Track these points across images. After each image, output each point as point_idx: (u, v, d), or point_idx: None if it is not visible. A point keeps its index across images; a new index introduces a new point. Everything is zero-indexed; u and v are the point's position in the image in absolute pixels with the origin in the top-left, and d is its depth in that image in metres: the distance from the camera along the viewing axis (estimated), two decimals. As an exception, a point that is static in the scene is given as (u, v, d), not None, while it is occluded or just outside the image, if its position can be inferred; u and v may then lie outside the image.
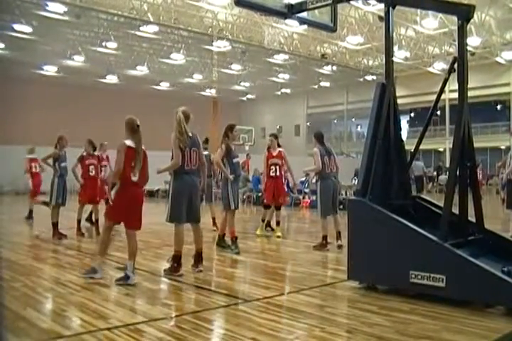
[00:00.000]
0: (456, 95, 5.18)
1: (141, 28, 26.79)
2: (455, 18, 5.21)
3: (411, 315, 4.35)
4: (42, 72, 35.03)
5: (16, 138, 26.71)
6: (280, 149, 9.71)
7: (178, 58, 33.28)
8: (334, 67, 35.93)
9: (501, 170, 11.26)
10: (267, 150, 9.77)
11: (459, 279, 4.50)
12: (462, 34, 5.15)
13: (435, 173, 31.11)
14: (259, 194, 16.82)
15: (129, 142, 5.60)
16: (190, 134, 6.03)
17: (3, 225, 10.68)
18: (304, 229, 12.05)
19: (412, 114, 39.86)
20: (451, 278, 4.52)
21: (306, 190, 18.59)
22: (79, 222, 9.54)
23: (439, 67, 32.78)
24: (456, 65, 5.23)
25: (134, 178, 5.57)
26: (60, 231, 9.04)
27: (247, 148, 24.87)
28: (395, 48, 27.00)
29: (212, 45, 29.90)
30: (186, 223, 6.07)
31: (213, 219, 10.19)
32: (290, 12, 6.26)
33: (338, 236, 8.08)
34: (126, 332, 3.87)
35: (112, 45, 30.08)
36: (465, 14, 5.12)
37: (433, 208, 5.69)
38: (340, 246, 7.90)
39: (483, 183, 24.31)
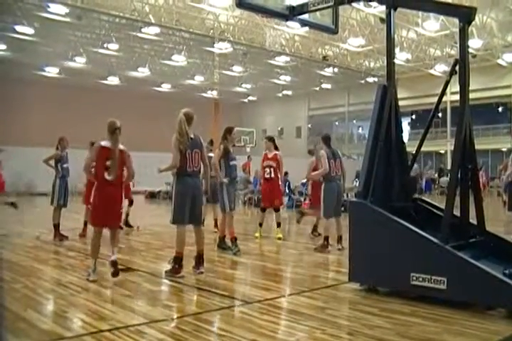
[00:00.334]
0: (457, 97, 5.19)
1: (142, 30, 26.82)
2: (456, 21, 5.21)
3: (412, 317, 4.35)
4: (43, 73, 35.06)
5: (17, 139, 26.76)
6: (276, 152, 9.72)
7: (179, 60, 33.29)
8: (335, 69, 35.93)
9: (503, 173, 11.24)
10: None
11: (460, 281, 4.50)
12: (464, 36, 5.15)
13: (436, 175, 31.11)
14: (260, 196, 16.81)
15: (104, 142, 5.87)
16: (191, 136, 6.03)
17: (3, 226, 10.68)
18: (304, 230, 12.03)
19: (414, 116, 39.85)
20: (452, 281, 4.51)
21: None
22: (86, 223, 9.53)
23: (441, 69, 32.79)
24: (457, 67, 5.24)
25: (109, 177, 5.77)
26: (62, 232, 9.04)
27: (248, 149, 24.89)
28: (397, 50, 27.05)
29: (213, 47, 29.90)
30: (188, 224, 6.08)
31: (215, 220, 10.19)
32: (291, 14, 6.27)
33: (339, 239, 8.09)
34: (127, 334, 3.87)
35: (114, 46, 30.10)
36: (466, 16, 5.13)
37: (434, 210, 5.69)
38: (340, 250, 7.90)
39: (485, 186, 24.24)
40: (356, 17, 26.79)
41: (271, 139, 9.94)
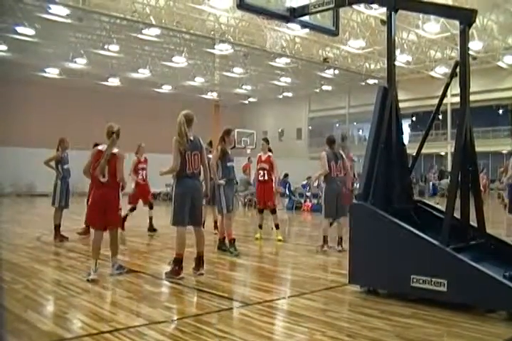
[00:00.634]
0: (458, 99, 5.18)
1: (143, 31, 26.84)
2: (457, 23, 5.21)
3: (412, 319, 4.35)
4: (44, 74, 35.05)
5: (18, 140, 26.78)
6: (269, 154, 9.75)
7: (180, 61, 33.30)
8: (336, 71, 35.96)
9: (504, 175, 11.25)
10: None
11: (461, 284, 4.50)
12: (464, 38, 5.15)
13: (437, 177, 31.09)
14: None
15: (101, 146, 6.19)
16: (191, 138, 6.03)
17: (4, 227, 10.69)
18: (305, 232, 12.04)
19: (414, 118, 39.83)
20: (452, 283, 4.51)
21: (308, 194, 18.59)
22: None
23: (441, 71, 32.83)
24: (458, 70, 5.24)
25: (103, 179, 6.03)
26: (62, 233, 9.05)
27: (248, 151, 24.88)
28: (397, 52, 27.09)
29: (214, 48, 29.93)
30: (188, 226, 6.09)
31: (215, 222, 10.18)
32: (292, 16, 6.28)
33: (340, 241, 8.10)
34: (127, 335, 3.87)
35: (114, 47, 30.11)
36: (467, 19, 5.13)
37: (435, 212, 5.69)
38: (340, 251, 7.91)
39: (486, 188, 24.21)
40: (357, 19, 26.81)
41: (267, 141, 10.00)
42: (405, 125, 37.29)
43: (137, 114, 37.77)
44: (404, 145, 5.73)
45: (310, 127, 47.35)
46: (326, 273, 6.84)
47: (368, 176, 5.36)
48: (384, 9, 5.82)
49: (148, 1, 24.57)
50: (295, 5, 6.22)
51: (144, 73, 36.26)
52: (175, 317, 4.53)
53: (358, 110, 40.76)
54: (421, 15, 24.25)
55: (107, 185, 6.05)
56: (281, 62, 33.43)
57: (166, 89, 41.23)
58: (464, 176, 5.22)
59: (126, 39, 29.42)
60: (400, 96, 6.02)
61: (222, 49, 29.88)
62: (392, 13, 5.57)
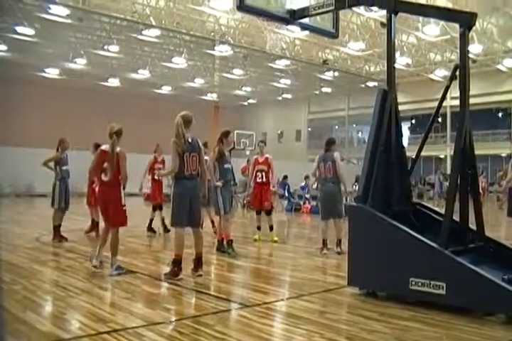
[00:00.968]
0: (457, 102, 5.19)
1: (143, 32, 26.84)
2: (457, 26, 5.22)
3: (411, 322, 4.35)
4: (44, 74, 35.06)
5: (17, 140, 26.74)
6: (267, 155, 9.76)
7: (179, 62, 33.31)
8: (336, 73, 35.96)
9: (503, 178, 11.27)
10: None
11: (459, 287, 4.50)
12: (464, 41, 5.16)
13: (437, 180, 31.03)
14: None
15: (104, 146, 6.33)
16: (189, 139, 6.03)
17: (3, 227, 10.68)
18: (304, 234, 12.04)
19: (413, 121, 39.88)
20: (451, 286, 4.51)
21: (307, 196, 18.58)
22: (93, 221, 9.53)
23: (441, 74, 32.86)
24: (457, 72, 5.25)
25: (105, 178, 6.21)
26: (62, 234, 9.04)
27: (247, 152, 24.88)
28: (397, 55, 27.09)
29: (214, 50, 29.94)
30: (187, 227, 6.09)
31: (212, 222, 10.19)
32: (292, 18, 6.28)
33: (338, 243, 8.10)
34: (125, 336, 3.87)
35: (114, 48, 30.11)
36: (467, 22, 5.14)
37: (434, 215, 5.69)
38: (339, 253, 7.91)
39: (485, 191, 24.22)
40: (357, 21, 26.82)
41: (264, 143, 10.06)
42: (405, 127, 37.25)
43: (137, 115, 37.75)
44: (403, 147, 5.74)
45: (309, 129, 47.38)
46: (325, 275, 6.84)
47: (367, 178, 5.37)
48: (384, 12, 5.83)
49: (149, 2, 24.58)
50: (295, 7, 6.22)
51: (143, 74, 36.27)
52: (173, 319, 4.53)
53: (357, 112, 40.79)
54: (421, 18, 24.29)
55: (109, 184, 6.20)
56: (280, 63, 33.43)
57: (166, 90, 41.26)
58: (463, 179, 5.23)
59: (126, 40, 29.43)
60: (400, 98, 6.03)
61: (222, 50, 29.88)
62: (392, 15, 5.58)
